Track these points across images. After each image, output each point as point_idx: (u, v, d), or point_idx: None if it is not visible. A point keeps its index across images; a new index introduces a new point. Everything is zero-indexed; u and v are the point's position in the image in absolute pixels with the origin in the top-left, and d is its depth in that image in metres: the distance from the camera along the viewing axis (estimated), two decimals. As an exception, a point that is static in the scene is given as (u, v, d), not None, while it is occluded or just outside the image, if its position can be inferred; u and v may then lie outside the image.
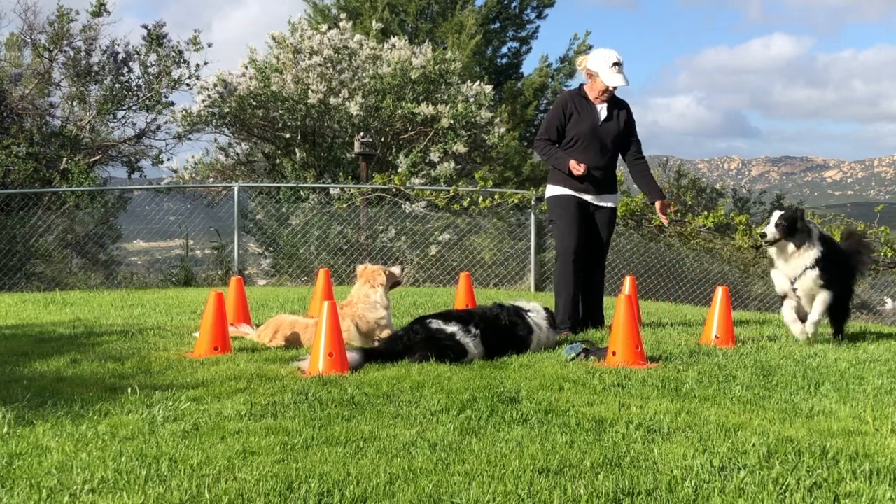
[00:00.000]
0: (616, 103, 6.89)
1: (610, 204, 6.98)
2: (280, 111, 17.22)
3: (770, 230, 6.29)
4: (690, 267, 15.25)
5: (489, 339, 5.47)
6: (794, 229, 6.24)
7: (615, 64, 6.69)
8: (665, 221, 7.11)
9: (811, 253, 6.20)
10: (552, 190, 6.97)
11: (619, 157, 7.04)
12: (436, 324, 5.40)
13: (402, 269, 6.44)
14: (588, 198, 6.85)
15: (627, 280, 7.46)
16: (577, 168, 6.65)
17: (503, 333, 5.58)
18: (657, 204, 7.00)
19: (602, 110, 6.83)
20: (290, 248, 15.22)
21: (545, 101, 25.48)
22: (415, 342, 5.28)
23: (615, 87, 6.77)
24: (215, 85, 16.91)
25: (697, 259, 15.50)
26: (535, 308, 5.95)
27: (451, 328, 5.37)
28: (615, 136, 6.85)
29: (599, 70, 6.73)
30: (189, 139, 17.87)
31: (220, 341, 5.63)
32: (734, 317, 6.85)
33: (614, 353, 5.31)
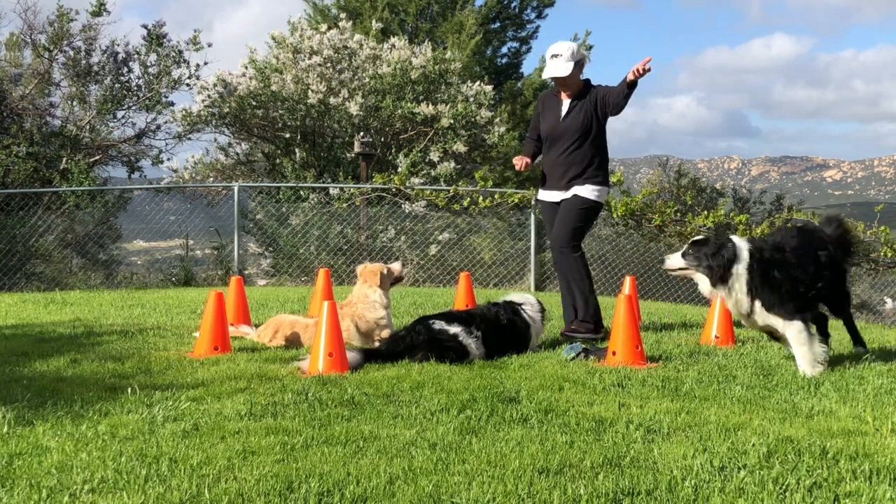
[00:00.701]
0: (584, 95, 6.54)
1: (572, 192, 6.52)
2: (280, 111, 17.22)
3: (674, 261, 5.22)
4: (690, 267, 15.23)
5: (490, 340, 5.48)
6: (704, 256, 5.05)
7: (553, 56, 6.41)
8: (647, 67, 6.13)
9: (741, 282, 4.97)
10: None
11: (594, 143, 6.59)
12: (438, 324, 5.40)
13: (402, 265, 6.44)
14: (555, 196, 6.65)
15: (627, 280, 7.46)
16: (517, 163, 6.67)
17: (503, 332, 5.59)
18: (631, 72, 6.14)
19: (565, 106, 6.57)
20: (290, 248, 15.23)
21: (545, 101, 25.48)
22: (417, 342, 5.29)
23: (550, 79, 6.52)
24: (215, 85, 16.91)
25: (697, 259, 15.50)
26: (529, 301, 5.94)
27: (454, 329, 5.37)
28: (575, 130, 6.49)
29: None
30: (189, 139, 17.88)
31: (220, 341, 5.63)
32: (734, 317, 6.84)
33: (614, 353, 5.31)
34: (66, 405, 4.11)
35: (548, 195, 6.70)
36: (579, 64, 6.45)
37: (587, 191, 6.50)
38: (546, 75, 6.51)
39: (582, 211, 6.50)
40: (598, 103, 6.48)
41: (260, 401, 4.22)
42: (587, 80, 6.60)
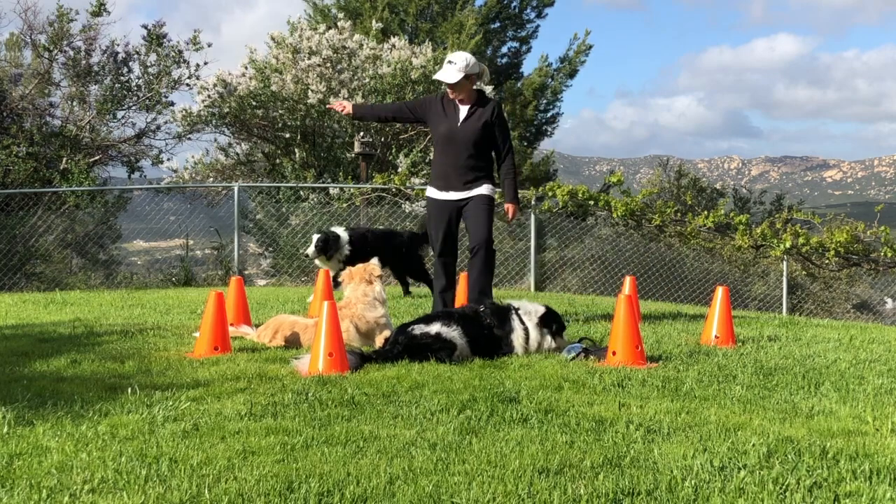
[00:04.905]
0: (482, 104, 6.73)
1: (476, 192, 6.72)
2: (280, 111, 17.22)
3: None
4: (690, 267, 15.26)
5: (471, 332, 5.48)
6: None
7: (449, 62, 6.63)
8: (509, 219, 7.02)
9: None
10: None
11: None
12: (419, 329, 5.40)
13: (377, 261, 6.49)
14: (452, 196, 6.77)
15: (627, 280, 7.46)
16: (337, 106, 6.96)
17: (483, 328, 5.58)
18: (511, 213, 6.93)
19: (462, 111, 6.68)
20: (290, 248, 15.22)
21: (545, 101, 25.47)
22: (404, 352, 5.29)
23: (443, 82, 6.68)
24: (215, 85, 16.92)
25: (697, 259, 15.51)
26: (526, 308, 5.86)
27: (435, 328, 5.37)
28: (472, 135, 6.63)
29: None
30: (189, 139, 17.92)
31: (220, 341, 5.62)
32: (734, 316, 6.85)
33: (614, 353, 5.31)
34: (66, 405, 4.11)
35: (444, 195, 6.79)
36: (472, 77, 6.64)
37: (489, 189, 6.78)
38: (436, 77, 6.79)
39: (491, 207, 6.79)
40: (495, 130, 6.71)
41: (260, 401, 4.22)
42: (481, 91, 6.85)
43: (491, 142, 6.74)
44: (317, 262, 9.50)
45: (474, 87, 6.73)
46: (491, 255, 6.76)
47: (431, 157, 6.92)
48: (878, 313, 16.52)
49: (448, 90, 6.65)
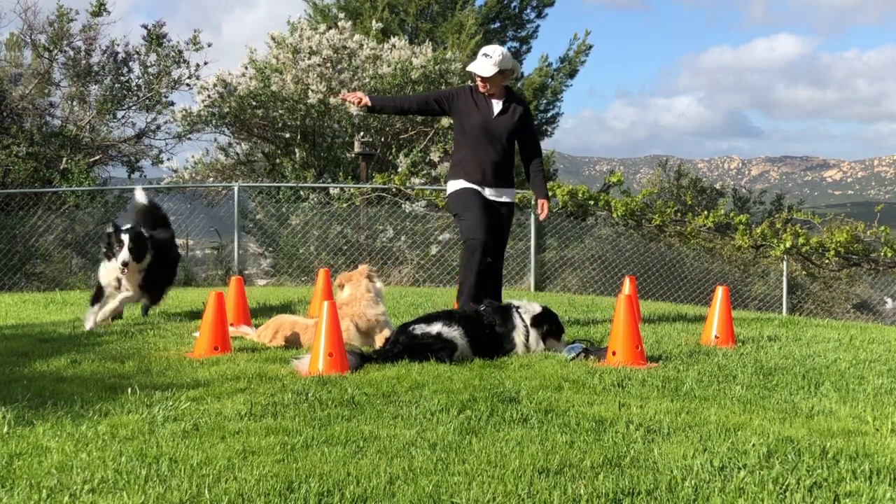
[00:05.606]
0: (513, 100, 6.71)
1: (507, 200, 6.75)
2: (280, 111, 17.22)
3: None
4: (690, 267, 15.26)
5: (472, 332, 5.48)
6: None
7: (484, 55, 6.56)
8: (542, 217, 6.96)
9: None
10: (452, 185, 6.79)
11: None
12: (420, 328, 5.40)
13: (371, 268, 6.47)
14: (488, 193, 6.65)
15: (627, 280, 7.46)
16: (352, 97, 6.66)
17: (484, 328, 5.59)
18: (542, 213, 6.90)
19: (496, 105, 6.63)
20: (289, 248, 15.23)
21: (545, 101, 25.46)
22: (404, 351, 5.29)
23: (477, 74, 6.57)
24: (215, 85, 16.92)
25: (697, 259, 15.51)
26: (526, 307, 5.88)
27: (436, 328, 5.37)
28: (507, 129, 6.62)
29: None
30: (189, 139, 17.92)
31: (220, 341, 5.62)
32: (734, 317, 6.85)
33: (614, 353, 5.31)
34: (66, 405, 4.11)
35: (478, 190, 6.61)
36: (505, 72, 6.60)
37: (513, 196, 6.87)
38: (469, 68, 6.71)
39: (512, 219, 6.90)
40: (522, 125, 6.69)
41: (260, 401, 4.22)
42: (509, 88, 6.78)
43: (520, 138, 6.73)
44: (125, 273, 6.84)
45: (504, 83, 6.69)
46: (501, 268, 6.84)
47: (453, 153, 6.66)
48: (878, 313, 16.52)
49: (479, 83, 6.59)
